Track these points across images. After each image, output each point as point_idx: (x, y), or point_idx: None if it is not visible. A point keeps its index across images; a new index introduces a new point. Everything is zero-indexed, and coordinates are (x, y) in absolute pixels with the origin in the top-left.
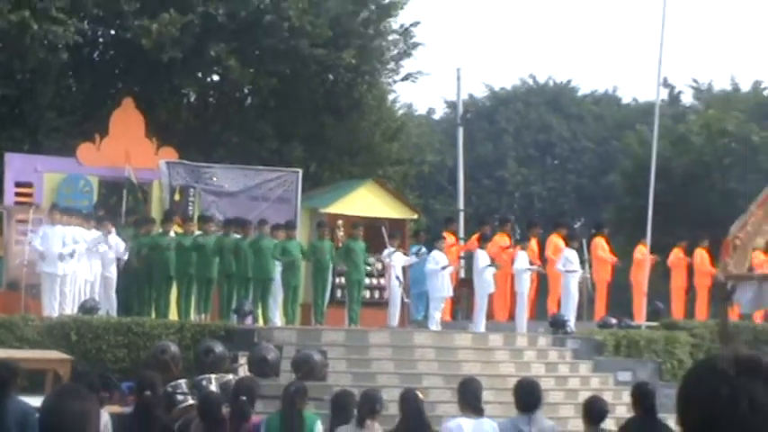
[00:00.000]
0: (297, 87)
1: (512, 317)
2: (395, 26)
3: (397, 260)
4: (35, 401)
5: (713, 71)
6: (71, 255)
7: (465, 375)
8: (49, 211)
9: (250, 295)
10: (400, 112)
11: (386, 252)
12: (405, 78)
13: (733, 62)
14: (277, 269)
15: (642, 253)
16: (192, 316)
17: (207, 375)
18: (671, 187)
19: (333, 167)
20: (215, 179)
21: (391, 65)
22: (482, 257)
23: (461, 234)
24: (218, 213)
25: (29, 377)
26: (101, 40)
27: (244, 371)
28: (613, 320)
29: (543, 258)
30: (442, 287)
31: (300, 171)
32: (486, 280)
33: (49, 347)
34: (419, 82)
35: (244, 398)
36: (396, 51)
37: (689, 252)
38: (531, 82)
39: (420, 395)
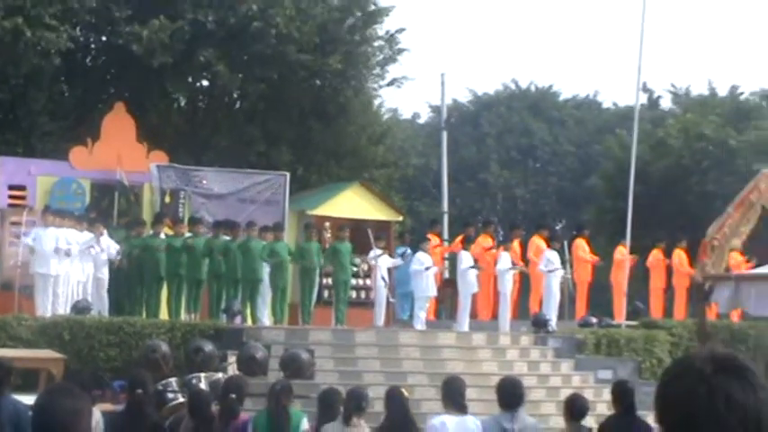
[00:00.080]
0: (284, 92)
1: (495, 316)
2: (380, 32)
3: (382, 261)
4: (28, 400)
5: (691, 76)
6: (67, 253)
7: (449, 374)
8: (42, 214)
9: (239, 295)
10: (386, 116)
11: (372, 254)
12: (390, 83)
13: (710, 67)
14: (265, 270)
15: (622, 254)
16: (183, 316)
17: (197, 374)
18: (650, 190)
19: (320, 170)
20: (205, 182)
21: (377, 70)
22: (465, 258)
23: (445, 236)
24: (207, 215)
25: (22, 376)
26: (93, 46)
27: (233, 369)
28: (594, 320)
29: (525, 259)
30: (427, 287)
31: (288, 174)
32: (469, 280)
33: (42, 347)
34: (404, 87)
35: (233, 396)
36: (381, 57)
37: (668, 253)
38: (513, 87)
39: (405, 393)
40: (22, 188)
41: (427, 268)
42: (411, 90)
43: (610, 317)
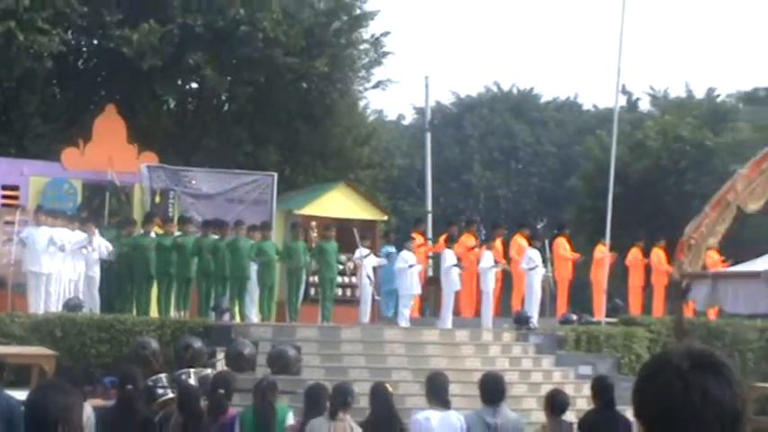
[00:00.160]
0: (272, 95)
1: (477, 314)
2: (366, 36)
3: (368, 261)
4: (21, 395)
5: (669, 79)
6: (61, 248)
7: (432, 369)
8: (35, 213)
9: (227, 293)
10: (371, 118)
11: (358, 254)
12: (375, 86)
13: (687, 70)
14: (253, 268)
15: (602, 252)
16: (172, 313)
17: (186, 370)
18: (629, 190)
19: (306, 171)
20: (194, 182)
21: (362, 73)
22: (449, 257)
23: (429, 234)
24: (196, 215)
25: (15, 372)
26: (84, 49)
27: (221, 365)
28: (574, 317)
29: (507, 258)
30: (411, 285)
31: (275, 174)
32: (452, 279)
33: (34, 343)
34: (389, 89)
35: (221, 391)
36: (366, 60)
37: (646, 251)
38: (495, 89)
39: (390, 388)
40: (14, 188)
41: (411, 266)
42: (396, 92)
43: (590, 314)
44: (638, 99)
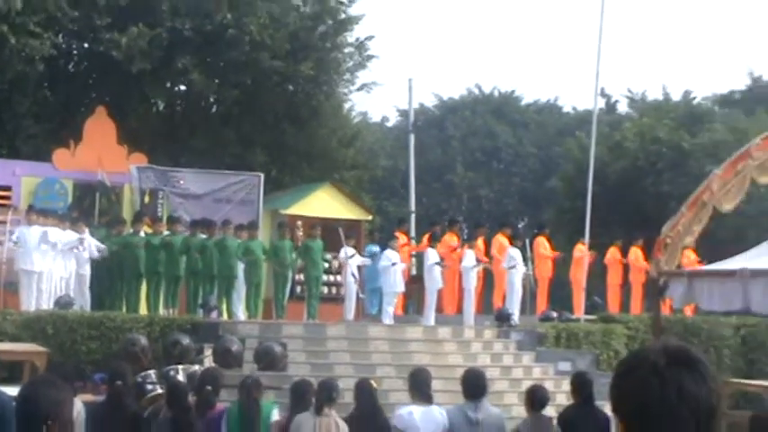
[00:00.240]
0: (258, 97)
1: (459, 311)
2: (350, 40)
3: (353, 261)
4: (13, 391)
5: (647, 82)
6: (53, 245)
7: (416, 365)
8: (27, 213)
9: (215, 291)
10: (356, 120)
11: (343, 255)
12: (360, 88)
13: (665, 73)
14: (240, 267)
15: (581, 251)
16: (161, 311)
17: (174, 366)
18: (607, 190)
19: (293, 172)
20: (182, 183)
21: (347, 76)
22: (431, 255)
23: (413, 233)
24: (185, 215)
25: (7, 368)
26: (75, 52)
27: (209, 362)
28: (554, 314)
29: (489, 256)
30: (395, 283)
31: (262, 175)
32: (434, 277)
33: (26, 340)
34: (373, 92)
35: (209, 387)
36: (351, 63)
37: (624, 250)
38: (477, 92)
39: (374, 384)
40: (7, 188)
41: (394, 264)
42: (380, 95)
43: (569, 311)
44: (616, 101)
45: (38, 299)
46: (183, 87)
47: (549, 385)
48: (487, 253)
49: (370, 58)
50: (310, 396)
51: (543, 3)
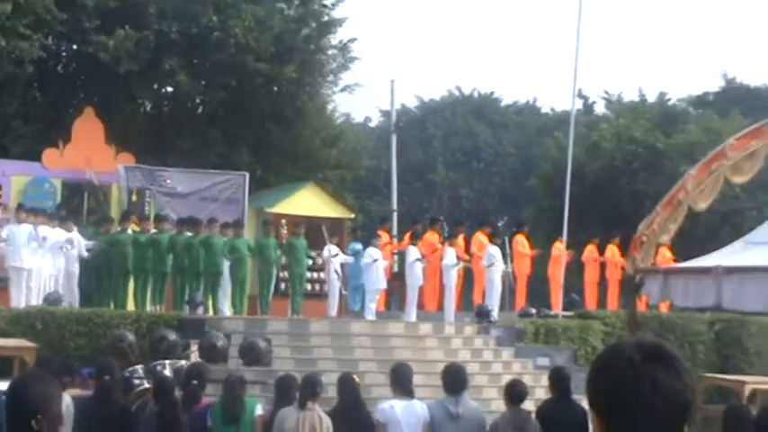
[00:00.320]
0: (244, 98)
1: (440, 307)
2: (334, 42)
3: (336, 259)
4: (2, 385)
5: (623, 84)
6: (44, 238)
7: (397, 361)
8: (16, 211)
9: (201, 288)
10: (339, 120)
11: (327, 253)
12: (343, 90)
13: (640, 75)
14: (226, 264)
15: (559, 249)
16: (148, 307)
17: (161, 361)
18: (585, 189)
19: (277, 171)
20: (169, 182)
21: (330, 77)
22: (413, 252)
23: (395, 232)
24: (171, 213)
25: None
26: (64, 54)
27: (195, 357)
28: (533, 310)
29: (469, 254)
30: (377, 280)
31: (247, 174)
32: (416, 273)
33: (15, 336)
34: (356, 93)
35: (195, 382)
36: (335, 65)
37: (601, 248)
38: (457, 93)
39: (356, 379)
40: None
41: (375, 261)
42: (362, 96)
43: (548, 308)
44: (593, 103)
45: (27, 295)
46: (169, 88)
47: (527, 380)
48: (467, 251)
49: (352, 60)
50: (294, 390)
51: (522, 6)
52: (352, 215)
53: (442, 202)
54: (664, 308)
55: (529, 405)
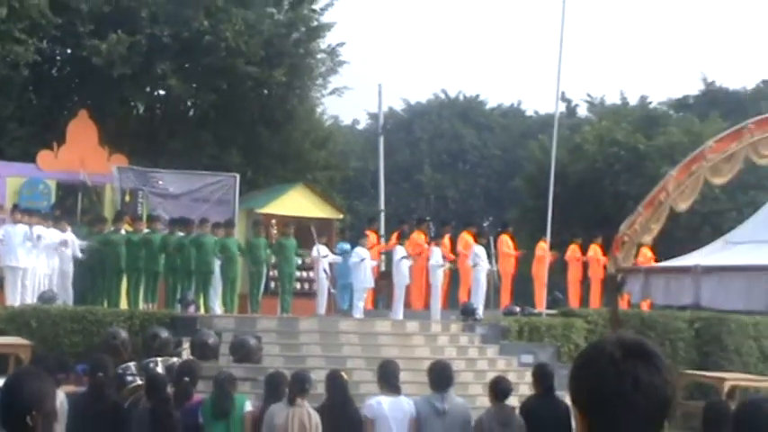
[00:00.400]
0: (234, 101)
1: (427, 306)
2: (323, 46)
3: (325, 259)
4: None
5: (605, 87)
6: (39, 237)
7: (384, 358)
8: (11, 212)
9: (192, 287)
10: (327, 123)
11: (316, 253)
12: (331, 93)
13: (622, 79)
14: (217, 263)
15: (543, 249)
16: (141, 305)
17: (153, 358)
18: (568, 190)
19: (267, 172)
20: (161, 183)
21: (319, 81)
22: (399, 251)
23: (382, 232)
24: (164, 213)
25: None
26: (58, 58)
27: (187, 354)
28: (517, 309)
29: (455, 253)
30: (365, 279)
31: (238, 176)
32: (402, 271)
33: (11, 334)
34: (344, 96)
35: (186, 379)
36: (323, 69)
37: (584, 247)
38: (443, 96)
39: (344, 376)
40: None
41: (363, 260)
42: (351, 99)
43: (531, 306)
44: (576, 106)
45: (22, 294)
46: (162, 92)
47: (512, 377)
48: (453, 250)
49: (341, 63)
50: (284, 387)
51: (507, 11)
52: (341, 215)
53: (428, 202)
54: (645, 306)
55: (513, 401)
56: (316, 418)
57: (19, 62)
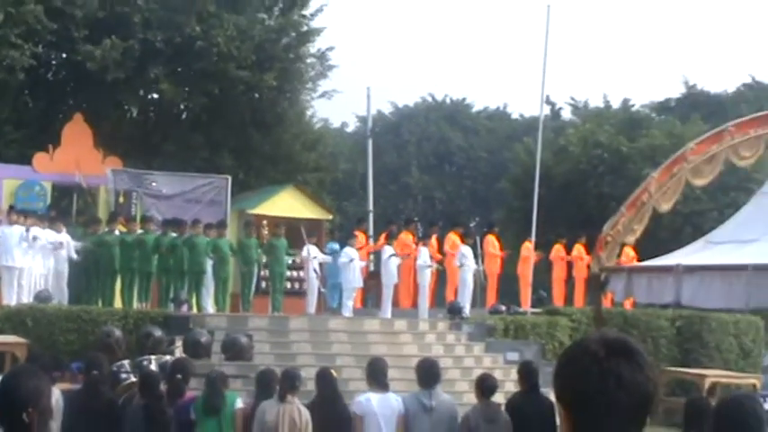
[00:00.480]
0: (226, 104)
1: (414, 305)
2: (312, 51)
3: (315, 257)
4: None
5: (589, 90)
6: (34, 238)
7: (373, 356)
8: (8, 213)
9: (185, 286)
10: (317, 125)
11: (306, 254)
12: (321, 96)
13: (605, 82)
14: (209, 263)
15: (528, 249)
16: (135, 304)
17: (147, 356)
18: (553, 191)
19: (258, 174)
20: (155, 184)
21: (309, 85)
22: (388, 250)
23: (371, 232)
24: (157, 214)
25: None
26: (54, 62)
27: (179, 352)
28: (503, 307)
29: (442, 253)
30: (354, 279)
31: (229, 177)
32: (391, 271)
33: (7, 332)
34: (334, 99)
35: (179, 376)
36: (313, 73)
37: (568, 247)
38: (430, 100)
39: (334, 373)
40: None
41: (352, 260)
42: (340, 102)
43: (517, 305)
44: (560, 109)
45: (18, 293)
46: (155, 95)
47: (497, 374)
48: (440, 250)
49: (330, 68)
50: (275, 384)
51: (493, 18)
52: (330, 216)
53: (416, 203)
54: (628, 305)
55: (499, 398)
56: (306, 414)
57: (15, 66)
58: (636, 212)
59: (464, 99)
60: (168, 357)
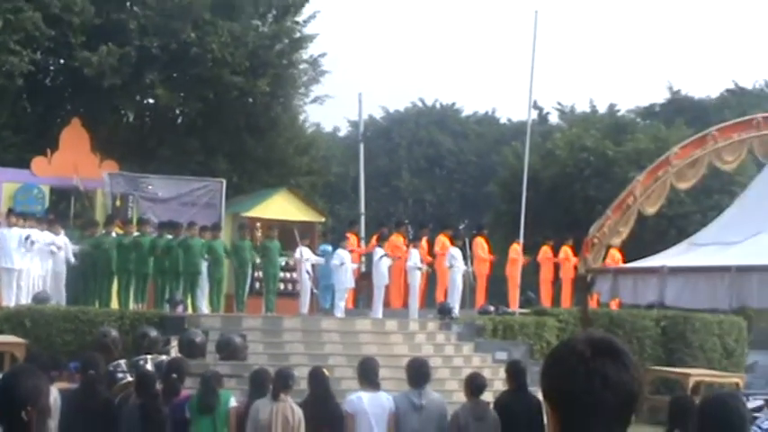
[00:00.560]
0: (220, 109)
1: (405, 305)
2: (305, 57)
3: (308, 262)
4: None
5: (575, 95)
6: (32, 242)
7: (364, 355)
8: (7, 216)
9: (180, 287)
10: (310, 130)
11: (299, 253)
12: (313, 101)
13: (592, 87)
14: (204, 265)
15: (516, 251)
16: (131, 305)
17: (143, 356)
18: (540, 195)
19: (252, 178)
20: (151, 188)
21: (302, 90)
22: (378, 251)
23: (362, 234)
24: (153, 217)
25: None
26: (51, 68)
27: (175, 352)
28: (491, 308)
29: (432, 254)
30: (346, 280)
31: (224, 181)
32: (382, 273)
33: (6, 333)
34: (326, 104)
35: (175, 375)
36: (306, 78)
37: (555, 249)
38: (421, 104)
39: (326, 372)
40: None
41: (342, 263)
42: (332, 107)
43: (505, 305)
44: (547, 113)
45: (17, 295)
46: (150, 101)
47: (486, 373)
48: (430, 252)
49: (322, 73)
50: (268, 383)
51: (481, 24)
52: (323, 219)
53: (406, 206)
54: (613, 305)
55: (488, 396)
56: (299, 412)
57: (14, 72)
58: (621, 215)
59: (453, 104)
60: (164, 357)
